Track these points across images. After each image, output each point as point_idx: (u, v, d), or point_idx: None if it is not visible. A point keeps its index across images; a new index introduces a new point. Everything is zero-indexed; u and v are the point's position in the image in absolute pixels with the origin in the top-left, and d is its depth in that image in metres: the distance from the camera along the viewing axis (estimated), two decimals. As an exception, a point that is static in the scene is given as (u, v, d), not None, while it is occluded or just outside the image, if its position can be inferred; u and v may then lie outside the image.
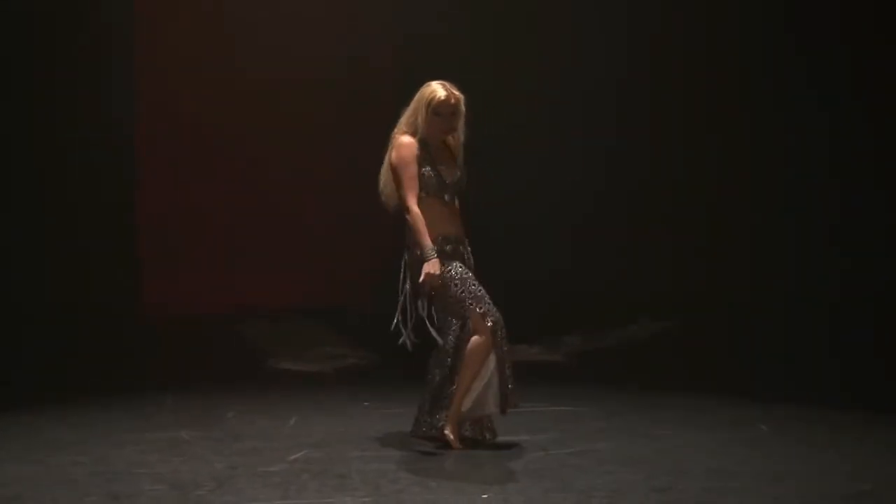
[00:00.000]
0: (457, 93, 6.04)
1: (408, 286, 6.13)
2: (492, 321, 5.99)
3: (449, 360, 6.10)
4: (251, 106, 10.93)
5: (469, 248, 6.20)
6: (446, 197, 6.08)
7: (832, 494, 5.37)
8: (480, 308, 5.99)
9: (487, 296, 6.04)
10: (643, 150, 10.99)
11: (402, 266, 6.18)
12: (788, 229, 10.84)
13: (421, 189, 6.00)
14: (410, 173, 5.98)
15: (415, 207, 5.96)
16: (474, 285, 6.02)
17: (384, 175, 6.18)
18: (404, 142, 6.01)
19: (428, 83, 6.08)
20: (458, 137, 6.14)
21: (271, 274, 11.00)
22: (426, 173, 6.01)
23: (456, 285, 5.98)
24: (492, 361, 6.05)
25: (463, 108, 6.06)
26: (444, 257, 6.00)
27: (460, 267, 6.03)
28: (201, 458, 6.06)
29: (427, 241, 5.91)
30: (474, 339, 6.00)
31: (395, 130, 6.11)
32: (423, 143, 6.04)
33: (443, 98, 6.00)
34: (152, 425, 6.86)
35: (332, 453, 6.15)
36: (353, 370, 8.70)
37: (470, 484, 5.56)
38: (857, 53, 10.46)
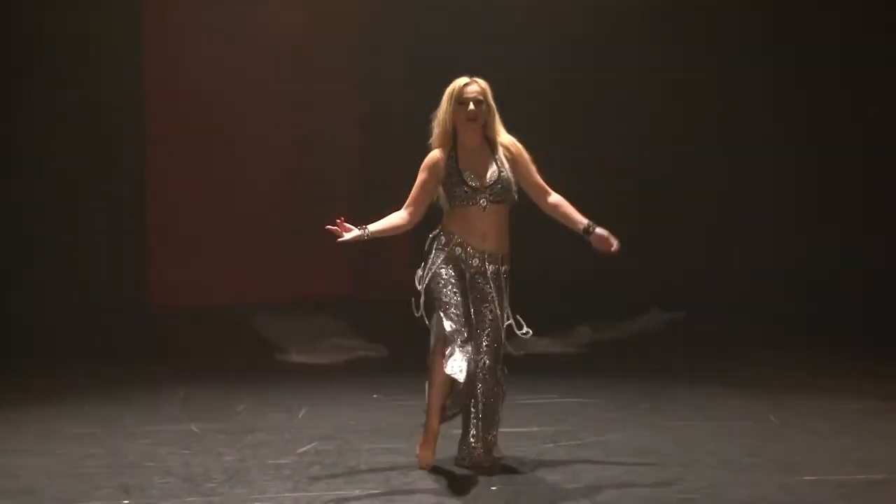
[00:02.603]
0: (481, 81, 5.91)
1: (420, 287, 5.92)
2: (447, 367, 5.59)
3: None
4: (259, 102, 10.93)
5: (504, 267, 5.88)
6: (483, 202, 5.82)
7: (844, 484, 5.36)
8: (442, 349, 5.65)
9: (464, 335, 5.67)
10: (650, 142, 10.97)
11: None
12: (797, 218, 10.83)
13: (453, 200, 5.84)
14: (417, 182, 5.81)
15: (404, 209, 5.81)
16: (454, 317, 5.69)
17: None
18: (428, 156, 5.86)
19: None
20: (494, 129, 5.92)
21: (281, 266, 11.00)
22: (452, 184, 5.81)
23: (438, 307, 5.74)
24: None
25: (489, 97, 5.87)
26: (451, 262, 5.81)
27: (454, 290, 5.75)
28: (212, 451, 6.07)
29: (375, 226, 5.81)
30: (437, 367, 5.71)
31: (431, 139, 5.91)
32: (452, 152, 5.88)
33: (463, 84, 5.92)
34: (163, 418, 6.88)
35: (342, 445, 6.16)
36: (362, 362, 8.70)
37: (479, 475, 5.56)
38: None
